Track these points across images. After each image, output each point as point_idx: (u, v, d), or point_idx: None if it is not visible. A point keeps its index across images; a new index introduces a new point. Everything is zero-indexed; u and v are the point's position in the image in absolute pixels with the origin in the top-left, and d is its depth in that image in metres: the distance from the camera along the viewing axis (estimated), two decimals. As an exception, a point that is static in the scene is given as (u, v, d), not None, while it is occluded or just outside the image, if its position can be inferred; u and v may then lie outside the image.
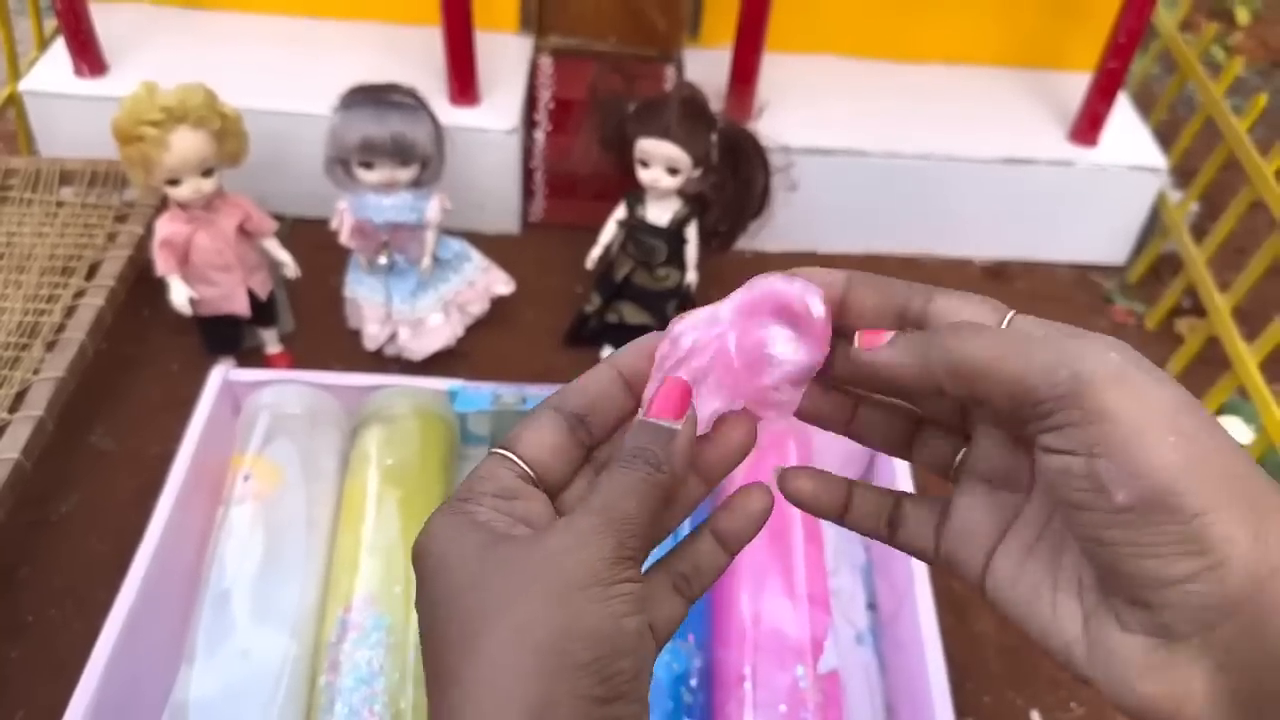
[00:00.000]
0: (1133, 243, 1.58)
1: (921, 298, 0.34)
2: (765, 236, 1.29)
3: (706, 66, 1.43)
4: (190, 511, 0.95)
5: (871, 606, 1.02)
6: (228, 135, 1.14)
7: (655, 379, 0.35)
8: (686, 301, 1.28)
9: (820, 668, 0.87)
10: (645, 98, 1.19)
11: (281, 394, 1.02)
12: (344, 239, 1.23)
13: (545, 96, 1.48)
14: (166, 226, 1.16)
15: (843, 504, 0.38)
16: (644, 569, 0.33)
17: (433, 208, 1.22)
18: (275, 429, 0.99)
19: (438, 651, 0.31)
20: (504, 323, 1.38)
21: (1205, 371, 1.37)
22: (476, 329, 1.35)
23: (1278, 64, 2.18)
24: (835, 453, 1.05)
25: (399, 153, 1.17)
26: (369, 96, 1.18)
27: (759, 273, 0.36)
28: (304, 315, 1.38)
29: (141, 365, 1.30)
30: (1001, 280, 1.55)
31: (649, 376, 0.36)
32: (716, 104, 1.18)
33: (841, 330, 0.35)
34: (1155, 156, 1.51)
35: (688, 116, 1.15)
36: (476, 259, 1.32)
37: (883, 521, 0.38)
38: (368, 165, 1.18)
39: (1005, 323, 0.33)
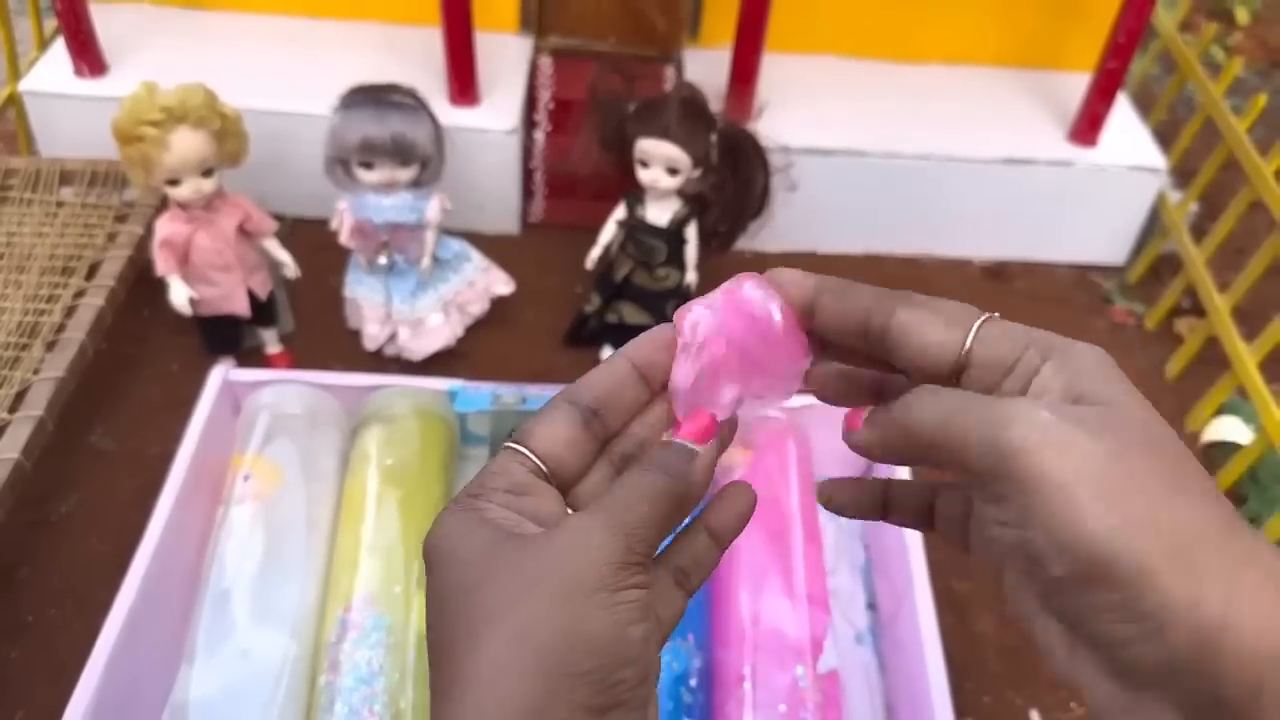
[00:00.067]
0: (1132, 243, 1.58)
1: (883, 313, 0.33)
2: (765, 236, 1.29)
3: (706, 66, 1.43)
4: (190, 511, 0.96)
5: (871, 606, 1.02)
6: (228, 135, 1.14)
7: (682, 362, 0.36)
8: (686, 302, 1.28)
9: (820, 667, 0.87)
10: (645, 98, 1.19)
11: (281, 394, 1.02)
12: (344, 239, 1.23)
13: (545, 97, 1.48)
14: (166, 226, 1.16)
15: (882, 503, 0.39)
16: None
17: (433, 208, 1.22)
18: (275, 429, 0.99)
19: (442, 648, 0.31)
20: (504, 323, 1.38)
21: (1205, 371, 1.37)
22: (476, 329, 1.35)
23: (1277, 64, 2.18)
24: (835, 453, 1.05)
25: (399, 153, 1.17)
26: (369, 96, 1.18)
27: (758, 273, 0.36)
28: (304, 315, 1.38)
29: (141, 365, 1.30)
30: (1001, 280, 1.55)
31: (662, 368, 0.36)
32: (716, 104, 1.18)
33: (816, 336, 0.36)
34: (1155, 157, 1.51)
35: (687, 117, 1.15)
36: (476, 259, 1.32)
37: (922, 514, 0.38)
38: (368, 165, 1.18)
39: (972, 333, 0.32)
